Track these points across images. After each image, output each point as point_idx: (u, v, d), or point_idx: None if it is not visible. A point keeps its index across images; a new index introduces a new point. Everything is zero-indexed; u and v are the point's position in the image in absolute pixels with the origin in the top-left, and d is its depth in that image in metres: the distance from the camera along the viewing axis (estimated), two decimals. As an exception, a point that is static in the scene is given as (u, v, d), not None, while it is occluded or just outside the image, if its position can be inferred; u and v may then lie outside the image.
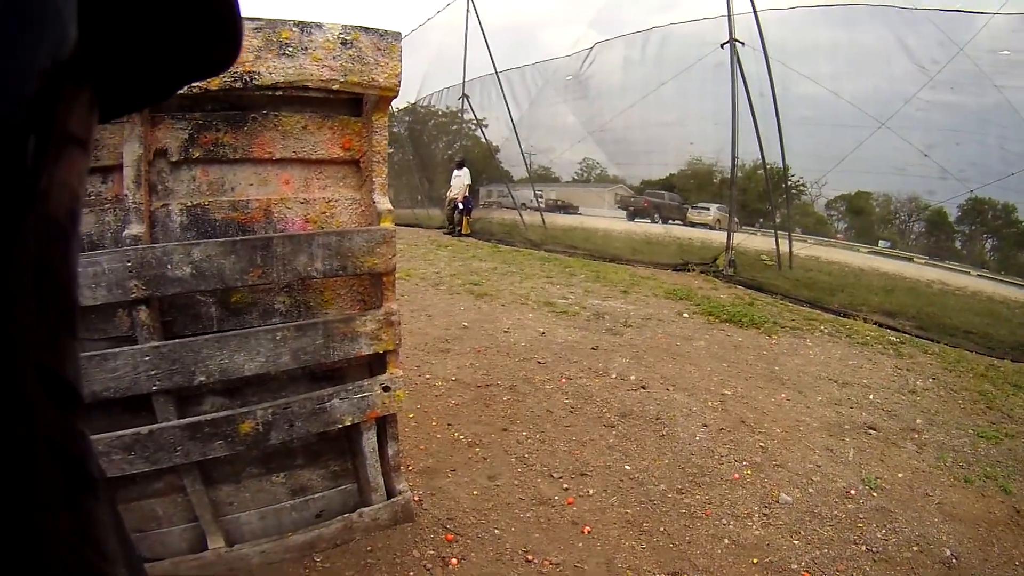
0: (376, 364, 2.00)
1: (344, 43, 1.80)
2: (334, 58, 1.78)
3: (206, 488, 1.95)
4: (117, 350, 1.76)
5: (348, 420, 1.92)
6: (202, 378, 1.76)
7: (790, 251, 8.30)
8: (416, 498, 2.37)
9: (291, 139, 1.82)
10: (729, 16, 7.65)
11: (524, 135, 11.91)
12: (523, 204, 12.50)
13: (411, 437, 2.90)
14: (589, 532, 2.27)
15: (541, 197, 12.49)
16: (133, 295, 1.70)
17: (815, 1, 7.85)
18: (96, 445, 1.77)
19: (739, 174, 8.33)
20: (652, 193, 11.53)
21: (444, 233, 12.57)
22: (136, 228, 1.72)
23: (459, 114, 13.96)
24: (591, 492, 2.55)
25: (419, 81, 14.91)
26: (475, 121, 13.49)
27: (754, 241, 8.67)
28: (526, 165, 12.30)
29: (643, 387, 3.68)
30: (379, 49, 1.84)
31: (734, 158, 7.92)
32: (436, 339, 4.55)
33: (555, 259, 8.96)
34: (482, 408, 3.32)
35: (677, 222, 10.91)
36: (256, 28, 1.72)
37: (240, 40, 0.39)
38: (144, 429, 1.81)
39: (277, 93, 1.80)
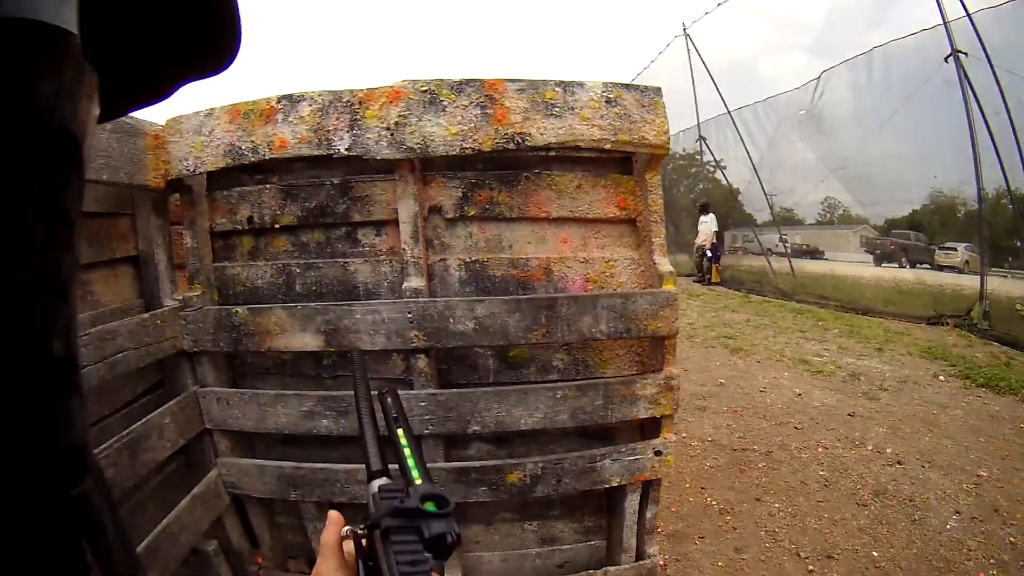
0: (649, 427, 1.97)
1: (608, 101, 1.81)
2: (601, 117, 1.80)
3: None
4: None
5: (616, 481, 1.91)
6: (476, 428, 1.82)
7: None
8: (662, 562, 2.37)
9: (566, 198, 1.85)
10: (945, 24, 6.89)
11: (765, 176, 11.56)
12: (768, 249, 12.10)
13: (663, 498, 2.92)
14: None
15: (786, 241, 12.05)
16: (413, 344, 1.80)
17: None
18: (359, 474, 1.85)
19: (983, 206, 7.50)
20: (898, 234, 10.82)
21: (694, 281, 12.55)
22: (416, 281, 1.83)
23: (696, 156, 13.84)
24: (835, 577, 2.41)
25: None
26: (714, 163, 13.30)
27: (1007, 286, 7.75)
28: (770, 208, 11.86)
29: (899, 462, 3.50)
30: (643, 106, 1.84)
31: (979, 190, 7.14)
32: (692, 395, 4.59)
33: (807, 311, 8.79)
34: (737, 474, 3.32)
35: (924, 265, 10.16)
36: (519, 89, 1.77)
37: (239, 40, 0.37)
38: (409, 467, 1.91)
39: (550, 154, 1.86)
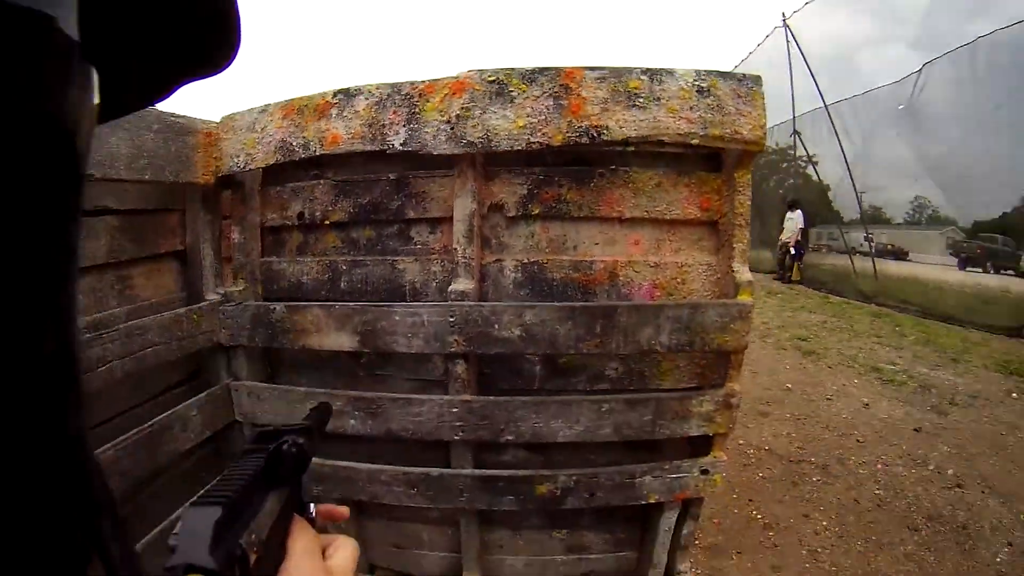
0: (700, 443, 1.75)
1: (700, 91, 1.60)
2: (691, 108, 1.59)
3: (481, 529, 1.87)
4: (424, 397, 1.72)
5: (654, 498, 1.71)
6: (510, 437, 1.65)
7: None
8: None
9: (643, 197, 1.65)
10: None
11: (858, 173, 11.09)
12: (853, 248, 11.75)
13: (707, 509, 2.75)
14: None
15: (871, 240, 11.63)
16: (451, 349, 1.64)
17: None
18: (380, 475, 1.76)
19: None
20: (985, 238, 10.40)
21: (774, 279, 12.38)
22: (463, 283, 1.65)
23: (788, 151, 13.73)
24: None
25: None
26: (806, 158, 13.08)
27: None
28: (859, 205, 11.43)
29: (959, 485, 3.23)
30: (739, 97, 1.62)
31: None
32: (756, 400, 4.45)
33: (886, 315, 8.54)
34: (788, 487, 3.14)
35: (1010, 272, 9.66)
36: (599, 78, 1.60)
37: (239, 40, 0.37)
38: (435, 471, 1.75)
39: (628, 148, 1.66)
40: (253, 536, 0.35)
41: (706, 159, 1.71)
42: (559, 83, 1.60)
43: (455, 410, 1.67)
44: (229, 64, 0.38)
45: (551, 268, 1.65)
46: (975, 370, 5.63)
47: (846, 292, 10.23)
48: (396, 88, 1.66)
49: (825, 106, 11.17)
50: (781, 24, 12.10)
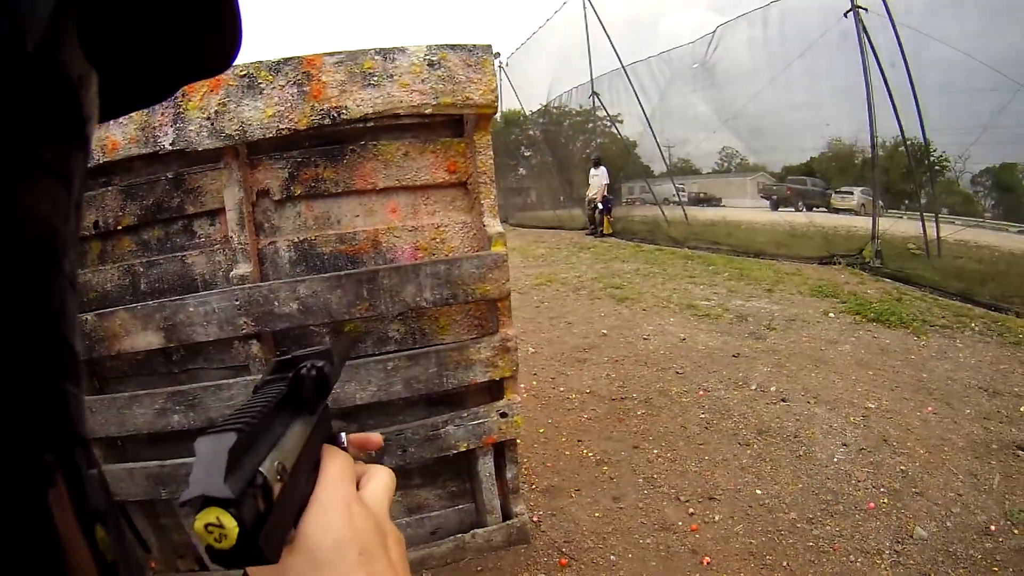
0: (494, 389, 1.95)
1: (431, 64, 1.78)
2: (423, 81, 1.76)
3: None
4: (231, 381, 1.85)
5: (463, 446, 1.89)
6: None
7: (937, 236, 7.48)
8: (535, 519, 2.34)
9: (393, 167, 1.81)
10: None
11: (658, 128, 11.60)
12: (665, 199, 12.18)
13: (539, 453, 2.88)
14: (709, 563, 2.12)
15: (683, 191, 12.13)
16: (243, 331, 1.78)
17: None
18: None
19: (880, 153, 7.66)
20: (794, 180, 11.00)
21: (586, 234, 12.61)
22: (243, 268, 1.79)
23: (592, 112, 13.95)
24: (717, 518, 2.36)
25: (548, 83, 15.11)
26: (608, 118, 13.36)
27: (900, 226, 7.87)
28: (664, 159, 11.93)
29: (783, 400, 3.41)
30: (469, 65, 1.80)
31: (873, 137, 7.28)
32: (574, 348, 4.52)
33: (698, 257, 8.68)
34: (615, 423, 3.24)
35: (821, 209, 10.28)
36: (337, 62, 1.74)
37: (240, 39, 0.37)
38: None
39: (368, 124, 1.81)
40: (277, 464, 0.33)
41: (448, 125, 1.89)
42: (302, 71, 1.73)
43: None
44: (229, 64, 0.38)
45: (320, 244, 1.81)
46: (790, 297, 5.86)
47: (658, 240, 10.62)
48: None
49: (622, 66, 11.67)
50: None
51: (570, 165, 15.47)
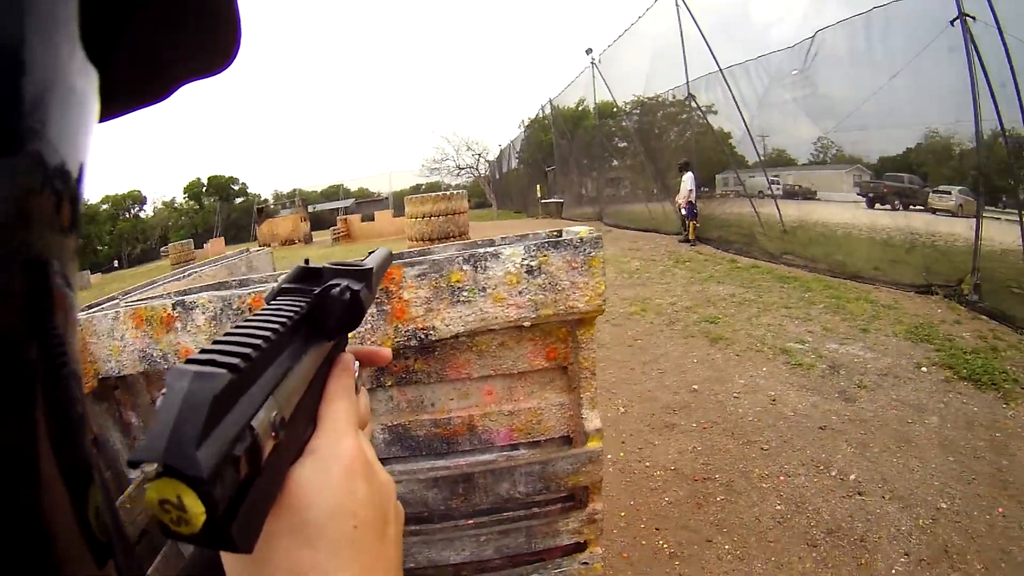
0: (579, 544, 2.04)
1: (530, 271, 1.54)
2: (520, 293, 1.55)
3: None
4: None
5: None
6: (411, 565, 1.94)
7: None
8: None
9: (488, 357, 1.72)
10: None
11: (756, 133, 11.51)
12: (759, 191, 11.93)
13: (618, 541, 2.87)
14: None
15: (777, 183, 11.73)
16: None
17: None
18: None
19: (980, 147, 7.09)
20: (891, 176, 10.09)
21: (679, 241, 12.87)
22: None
23: (687, 102, 13.50)
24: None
25: (643, 79, 15.24)
26: (701, 109, 13.15)
27: (1001, 233, 6.96)
28: (756, 150, 11.71)
29: (859, 493, 3.21)
30: (575, 268, 1.55)
31: (978, 134, 6.76)
32: (664, 408, 4.33)
33: (794, 279, 8.29)
34: (693, 509, 3.15)
35: (919, 207, 9.41)
36: (419, 275, 1.55)
37: (239, 39, 0.37)
38: None
39: (460, 339, 1.65)
40: (275, 415, 0.26)
41: (548, 314, 1.69)
42: (380, 287, 1.54)
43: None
44: (229, 64, 0.38)
45: (414, 428, 1.83)
46: (884, 340, 5.34)
47: (754, 250, 10.58)
48: (227, 302, 1.63)
49: (720, 69, 11.70)
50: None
51: (662, 157, 15.55)
